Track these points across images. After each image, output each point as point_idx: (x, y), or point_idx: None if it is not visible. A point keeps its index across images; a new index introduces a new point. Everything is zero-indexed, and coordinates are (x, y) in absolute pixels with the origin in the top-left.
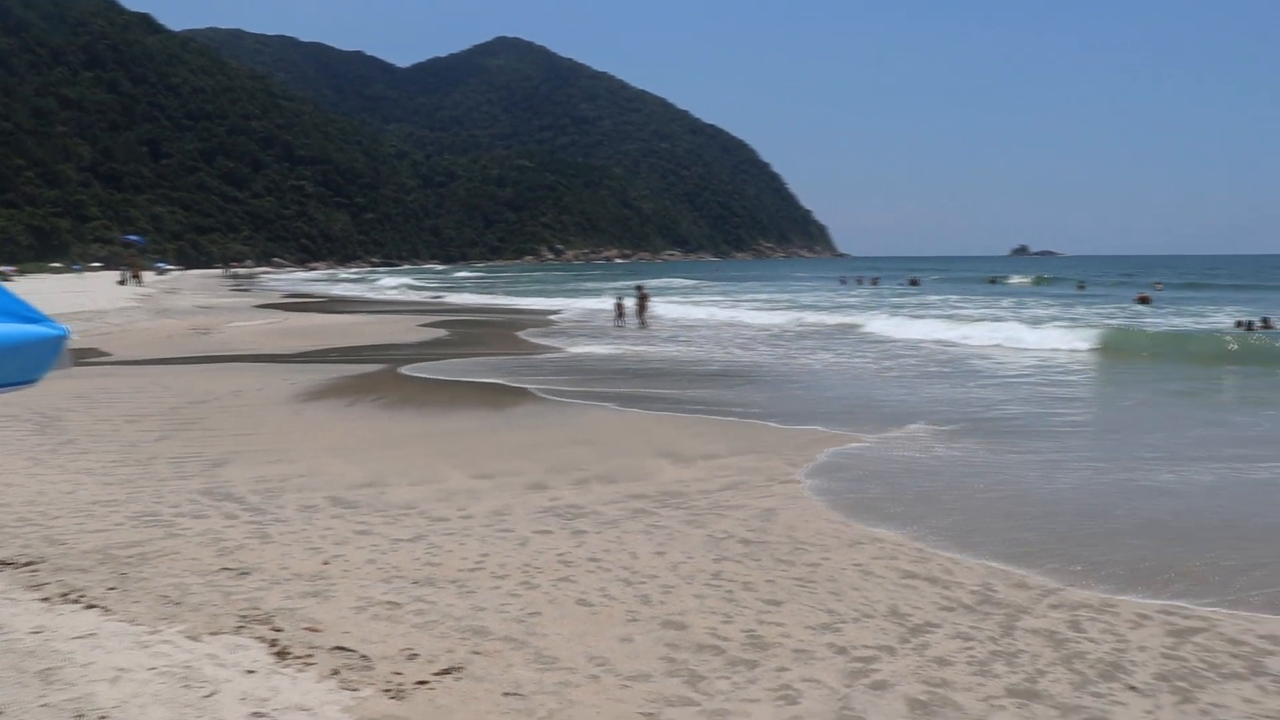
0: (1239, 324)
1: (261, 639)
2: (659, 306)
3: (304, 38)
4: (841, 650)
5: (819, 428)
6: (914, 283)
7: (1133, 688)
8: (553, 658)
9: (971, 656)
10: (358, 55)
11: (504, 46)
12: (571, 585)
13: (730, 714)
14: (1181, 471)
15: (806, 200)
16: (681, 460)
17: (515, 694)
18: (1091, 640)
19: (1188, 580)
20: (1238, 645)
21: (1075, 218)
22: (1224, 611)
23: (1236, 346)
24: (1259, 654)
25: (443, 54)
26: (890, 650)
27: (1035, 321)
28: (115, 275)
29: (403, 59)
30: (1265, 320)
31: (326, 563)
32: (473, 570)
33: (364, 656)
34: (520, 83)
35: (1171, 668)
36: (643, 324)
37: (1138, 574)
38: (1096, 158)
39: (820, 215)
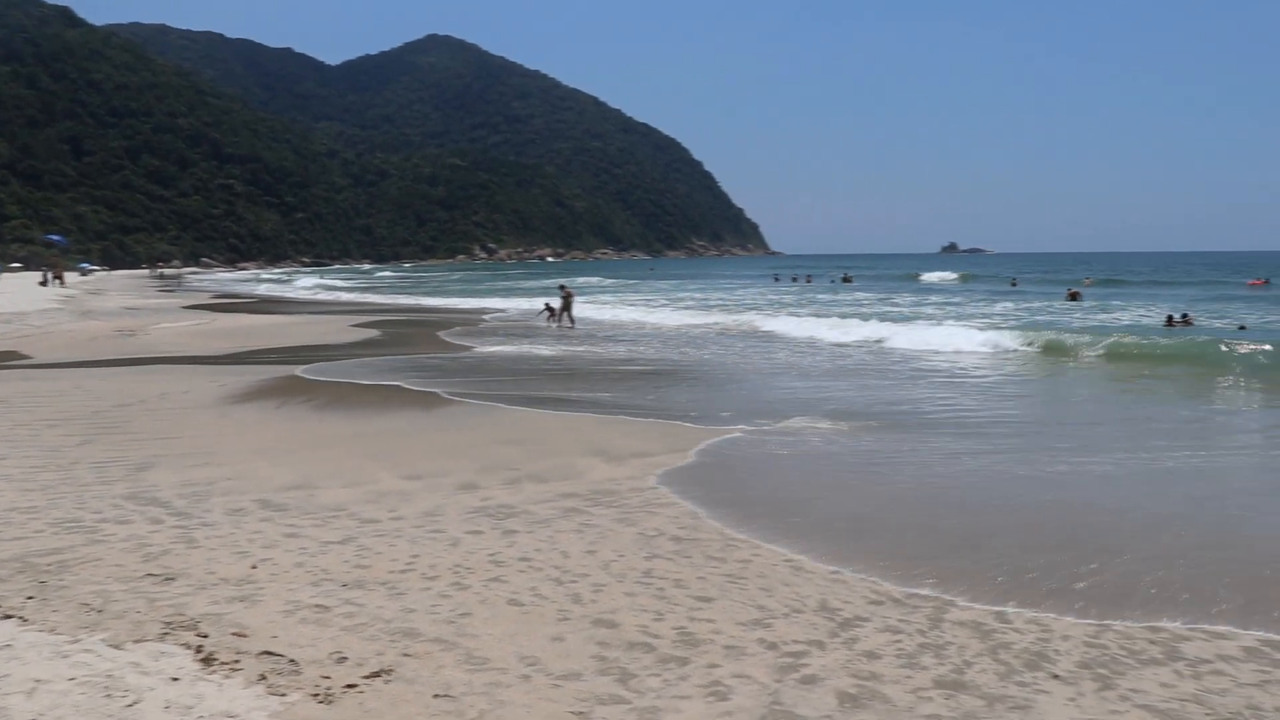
0: (1170, 320)
1: (187, 645)
2: (591, 308)
3: (231, 34)
4: (772, 646)
5: (743, 426)
6: (847, 280)
7: (1056, 676)
8: (483, 658)
9: (900, 649)
10: (287, 52)
11: (435, 44)
12: (503, 585)
13: (661, 711)
14: (1097, 464)
15: (739, 199)
16: (613, 459)
17: (446, 695)
18: (1017, 630)
19: (1107, 574)
20: (1156, 632)
21: (1002, 216)
22: (1138, 600)
23: (1166, 343)
24: (1176, 639)
25: (373, 51)
26: (820, 645)
27: (967, 318)
28: (36, 276)
29: (333, 56)
30: (1185, 316)
31: (254, 566)
32: (403, 572)
33: (292, 661)
34: (452, 81)
35: (1093, 655)
36: (569, 323)
37: (1054, 565)
38: (1022, 157)
39: (752, 213)
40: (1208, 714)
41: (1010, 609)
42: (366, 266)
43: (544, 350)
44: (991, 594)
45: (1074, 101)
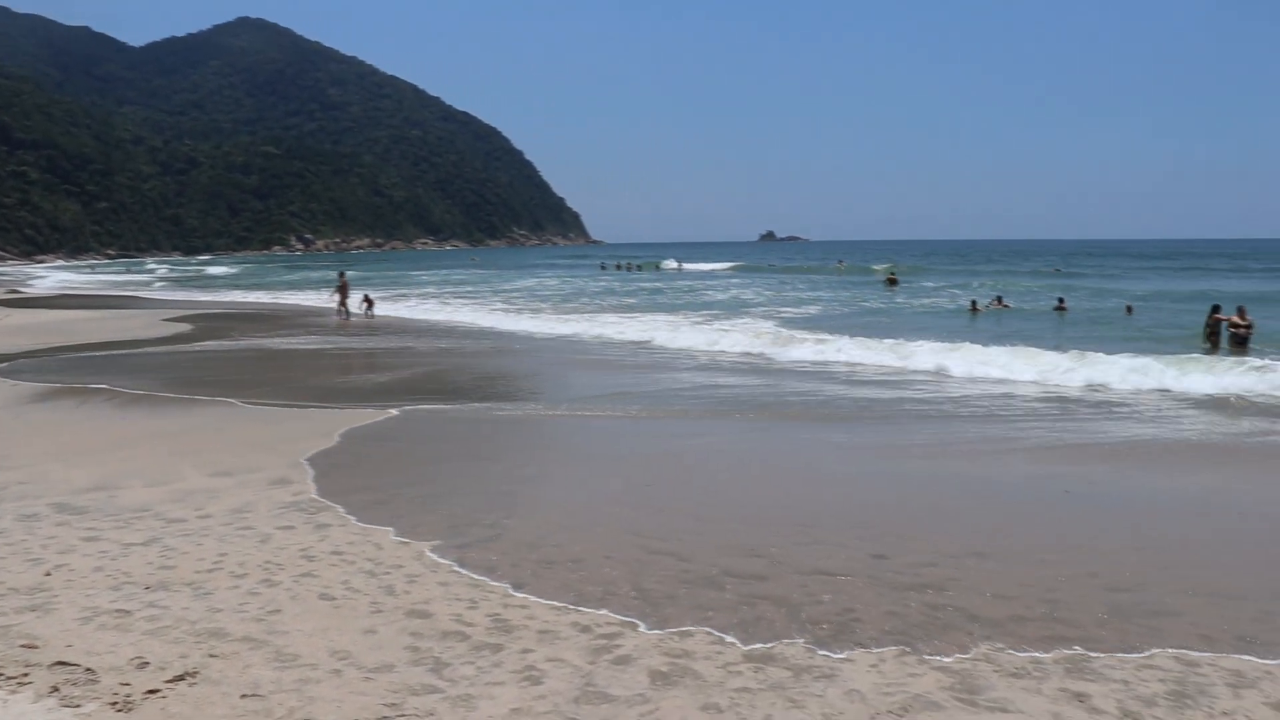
0: (974, 306)
1: None
2: (396, 305)
3: (20, 9)
4: (585, 629)
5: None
6: (674, 267)
7: (860, 644)
8: (293, 655)
9: (711, 626)
10: (84, 31)
11: (246, 27)
12: (314, 580)
13: (475, 699)
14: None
15: (560, 188)
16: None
17: (254, 695)
18: (819, 603)
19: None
20: (945, 592)
21: (818, 206)
22: (942, 569)
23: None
24: (988, 607)
25: (180, 33)
26: (633, 625)
27: (795, 303)
28: None
29: (136, 37)
30: (998, 299)
31: (48, 574)
32: (210, 571)
33: (88, 670)
34: (264, 66)
35: (894, 623)
36: (345, 314)
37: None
38: (837, 149)
39: (573, 203)
40: (996, 670)
41: (817, 582)
42: (147, 261)
43: (355, 343)
44: (804, 569)
45: (886, 95)
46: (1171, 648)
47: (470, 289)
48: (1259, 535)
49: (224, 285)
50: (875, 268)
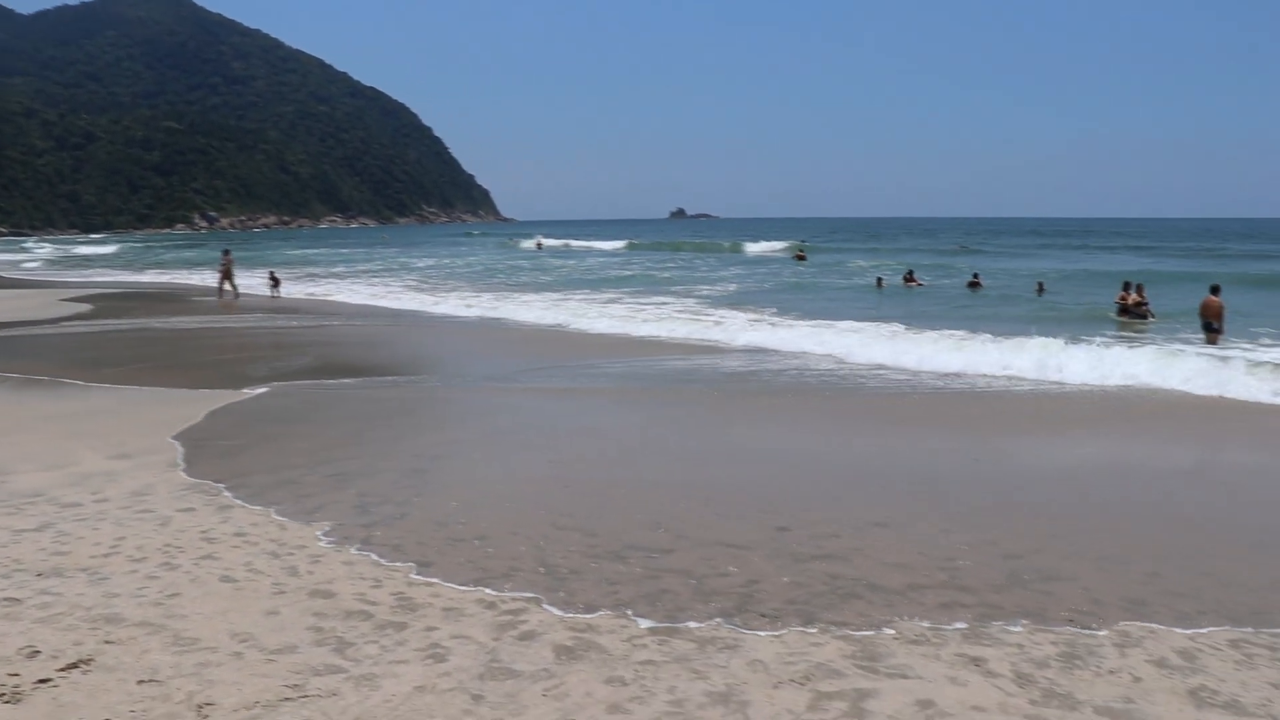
0: (879, 282)
1: None
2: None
3: None
4: (490, 605)
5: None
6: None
7: (764, 615)
8: (193, 639)
9: (617, 599)
10: None
11: None
12: (215, 562)
13: (378, 677)
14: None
15: (469, 165)
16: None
17: (151, 680)
18: (723, 575)
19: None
20: (847, 563)
21: (727, 182)
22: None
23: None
24: (889, 577)
25: (73, 1)
26: (538, 601)
27: (710, 281)
28: None
29: (24, 4)
30: (910, 274)
31: None
32: (107, 555)
33: None
34: (164, 37)
35: (797, 594)
36: (233, 293)
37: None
38: (743, 126)
39: (483, 179)
40: (896, 638)
41: (720, 553)
42: (28, 241)
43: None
44: (707, 541)
45: (792, 74)
46: (1064, 611)
47: (380, 266)
48: (1144, 502)
49: (118, 265)
50: (749, 247)
